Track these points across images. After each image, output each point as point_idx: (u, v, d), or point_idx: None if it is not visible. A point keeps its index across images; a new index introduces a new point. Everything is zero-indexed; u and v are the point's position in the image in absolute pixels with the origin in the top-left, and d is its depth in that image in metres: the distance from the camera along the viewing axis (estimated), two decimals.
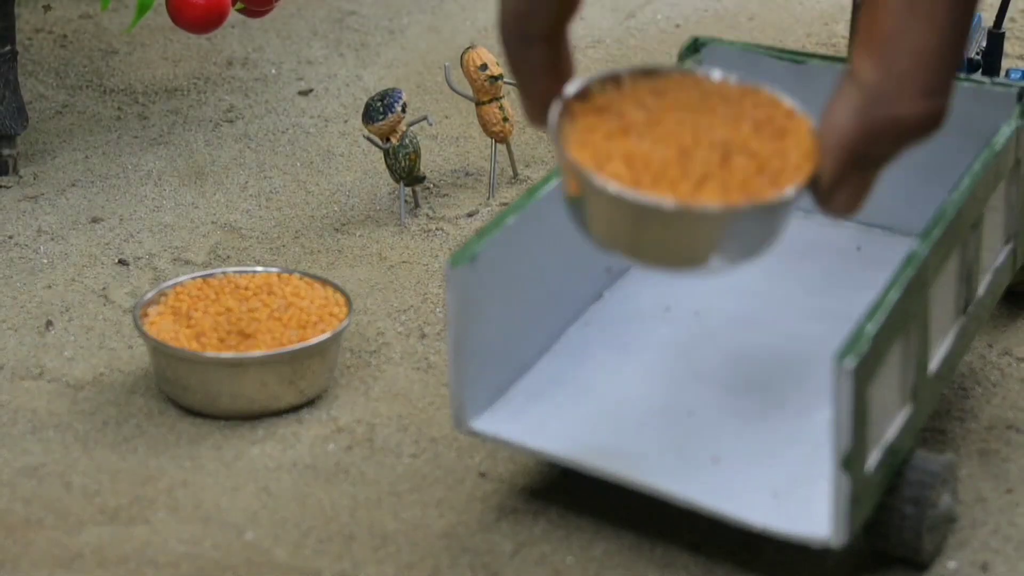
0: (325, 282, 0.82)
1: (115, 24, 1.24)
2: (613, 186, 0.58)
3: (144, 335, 0.78)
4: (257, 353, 0.77)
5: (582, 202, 0.60)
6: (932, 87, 0.57)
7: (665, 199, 0.58)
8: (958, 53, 0.57)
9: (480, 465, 0.75)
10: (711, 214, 0.58)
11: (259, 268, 0.84)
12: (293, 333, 0.78)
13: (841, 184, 0.59)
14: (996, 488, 0.72)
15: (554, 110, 0.62)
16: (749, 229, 0.59)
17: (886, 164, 0.59)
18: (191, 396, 0.78)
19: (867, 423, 0.61)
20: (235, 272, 0.83)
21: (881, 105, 0.57)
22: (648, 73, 0.64)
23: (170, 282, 0.82)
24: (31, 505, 0.72)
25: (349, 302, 0.81)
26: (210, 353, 0.77)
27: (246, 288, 0.82)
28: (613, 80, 0.64)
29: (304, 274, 0.83)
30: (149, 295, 0.81)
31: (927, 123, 0.58)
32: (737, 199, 0.58)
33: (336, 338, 0.78)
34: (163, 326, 0.79)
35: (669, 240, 0.59)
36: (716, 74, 0.64)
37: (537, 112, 0.62)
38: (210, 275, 0.83)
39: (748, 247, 0.60)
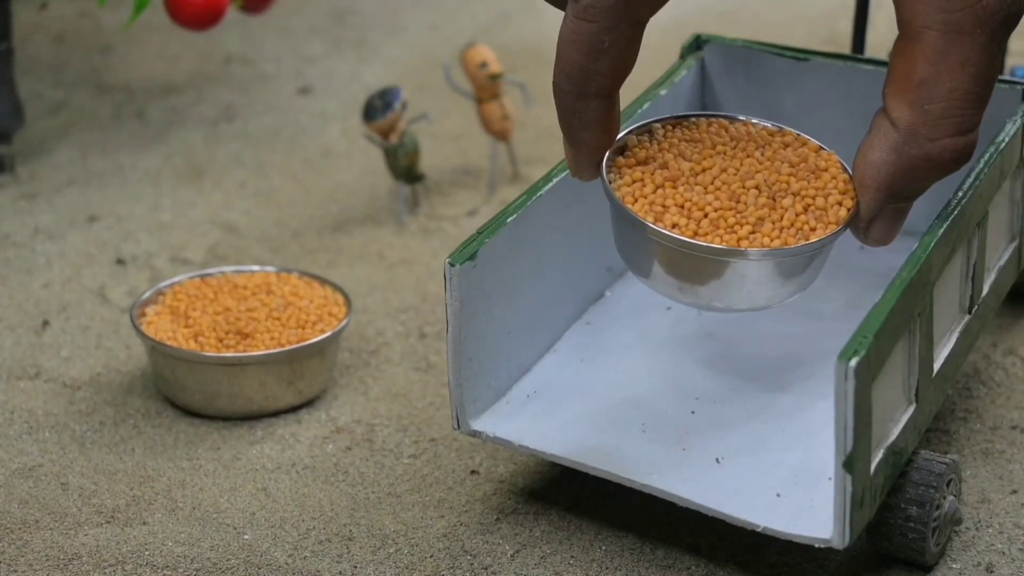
0: (324, 281, 0.82)
1: (112, 21, 1.24)
2: (685, 238, 0.63)
3: (142, 335, 0.78)
4: (256, 353, 0.76)
5: (641, 251, 0.64)
6: (965, 126, 0.60)
7: (742, 248, 0.63)
8: (988, 90, 0.60)
9: (480, 465, 0.74)
10: (784, 256, 0.63)
11: (257, 267, 0.83)
12: (292, 333, 0.78)
13: (878, 217, 0.63)
14: (1001, 489, 0.71)
15: (604, 165, 0.65)
16: (802, 266, 0.64)
17: (917, 196, 0.63)
18: (189, 396, 0.77)
19: (870, 423, 0.60)
20: (233, 271, 0.83)
21: (917, 145, 0.60)
22: (676, 121, 0.68)
23: (168, 282, 0.82)
24: (27, 506, 0.72)
25: (348, 301, 0.80)
26: (209, 353, 0.76)
27: (244, 287, 0.81)
28: (647, 132, 0.68)
29: (303, 273, 0.82)
30: (147, 295, 0.80)
31: (960, 158, 0.61)
32: (790, 240, 0.63)
33: (335, 338, 0.78)
34: (161, 326, 0.78)
35: (734, 283, 0.64)
36: (740, 117, 0.69)
37: (587, 166, 0.65)
38: (208, 275, 0.82)
39: (802, 283, 0.65)
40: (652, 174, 0.66)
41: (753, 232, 0.64)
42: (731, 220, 0.64)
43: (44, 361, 0.83)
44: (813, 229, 0.64)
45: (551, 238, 0.72)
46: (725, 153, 0.67)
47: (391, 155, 0.94)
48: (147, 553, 0.69)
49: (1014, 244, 0.76)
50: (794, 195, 0.65)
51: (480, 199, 0.98)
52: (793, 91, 0.81)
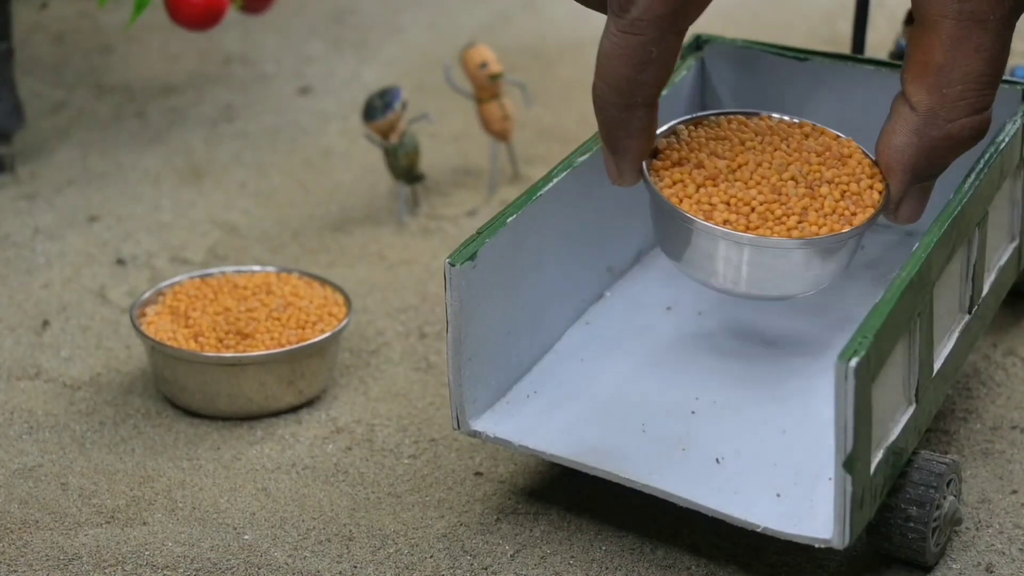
0: (324, 281, 0.82)
1: (112, 22, 1.24)
2: (739, 232, 0.66)
3: (142, 335, 0.77)
4: (256, 353, 0.76)
5: (690, 248, 0.67)
6: (980, 105, 0.64)
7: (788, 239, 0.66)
8: (1001, 70, 0.64)
9: (480, 465, 0.74)
10: (831, 242, 0.66)
11: (257, 267, 0.83)
12: (292, 333, 0.78)
13: (906, 197, 0.66)
14: (1001, 489, 0.71)
15: (646, 168, 0.68)
16: (844, 251, 0.67)
17: (939, 174, 0.66)
18: (189, 396, 0.77)
19: (870, 423, 0.60)
20: (233, 271, 0.83)
21: (937, 126, 0.64)
22: (697, 121, 0.71)
23: (168, 282, 0.82)
24: (28, 506, 0.72)
25: (348, 302, 0.80)
26: (209, 353, 0.76)
27: (244, 287, 0.81)
28: (672, 133, 0.70)
29: (303, 273, 0.82)
30: (146, 295, 0.80)
31: (977, 135, 0.64)
32: (835, 226, 0.66)
33: (335, 338, 0.78)
34: (161, 326, 0.78)
35: (787, 272, 0.67)
36: (758, 112, 0.72)
37: (630, 172, 0.68)
38: (208, 275, 0.82)
39: (840, 268, 0.68)
40: (691, 174, 0.68)
41: (800, 221, 0.66)
42: (778, 212, 0.67)
43: (44, 361, 0.83)
44: (854, 214, 0.67)
45: (551, 238, 0.72)
46: (755, 148, 0.70)
47: (391, 155, 0.94)
48: (147, 553, 0.69)
49: (1014, 244, 0.76)
50: (829, 183, 0.68)
51: (480, 199, 0.98)
52: (793, 91, 0.81)
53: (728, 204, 0.67)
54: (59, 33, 1.22)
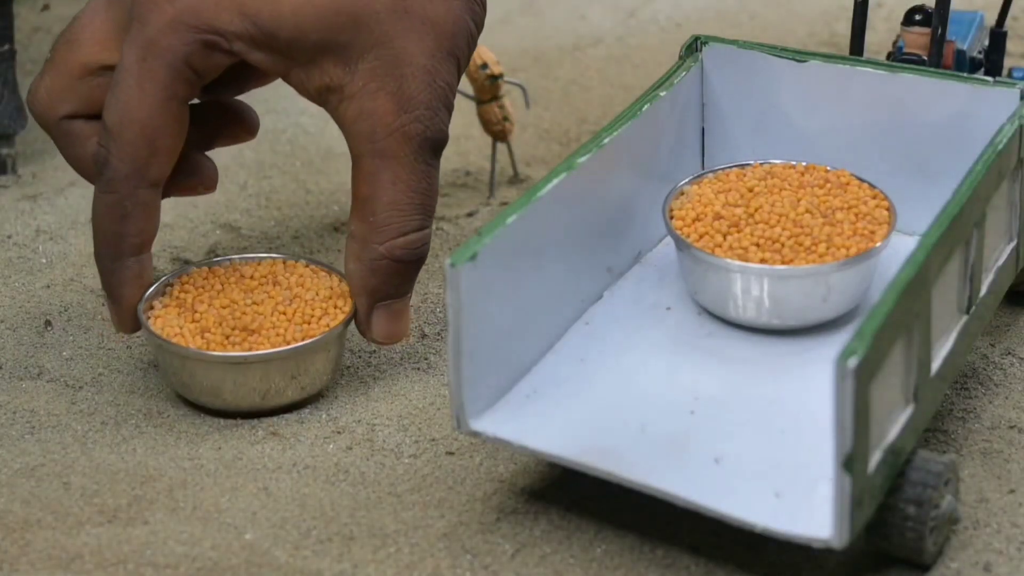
0: (331, 270, 0.81)
1: None
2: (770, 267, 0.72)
3: (149, 332, 0.77)
4: (260, 352, 0.76)
5: (723, 290, 0.74)
6: (406, 229, 0.74)
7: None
8: (427, 197, 0.75)
9: (480, 465, 0.74)
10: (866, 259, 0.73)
11: (264, 255, 0.82)
12: (297, 329, 0.77)
13: (374, 316, 0.78)
14: (999, 488, 0.72)
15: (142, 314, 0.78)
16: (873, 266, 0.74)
17: (402, 293, 0.77)
18: (197, 392, 0.78)
19: (869, 423, 0.61)
20: (240, 260, 0.82)
21: (371, 250, 0.75)
22: (698, 181, 0.78)
23: (174, 272, 0.81)
24: (29, 506, 0.72)
25: None
26: (215, 352, 0.76)
27: (251, 278, 0.81)
28: (681, 195, 0.77)
29: (311, 261, 0.82)
30: (153, 288, 0.79)
31: (413, 253, 0.76)
32: (863, 247, 0.72)
33: (340, 334, 0.78)
34: (168, 320, 0.78)
35: (828, 297, 0.73)
36: (749, 163, 0.79)
37: (128, 320, 0.77)
38: (216, 263, 0.82)
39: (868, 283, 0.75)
40: (713, 225, 0.74)
41: (829, 247, 0.72)
42: (807, 243, 0.72)
43: (46, 361, 0.83)
44: (873, 232, 0.73)
45: (551, 238, 0.72)
46: (762, 192, 0.76)
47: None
48: (149, 552, 0.69)
49: (1012, 244, 0.76)
50: (842, 209, 0.74)
51: (480, 200, 0.99)
52: (792, 92, 0.81)
53: (758, 245, 0.73)
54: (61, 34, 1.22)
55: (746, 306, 0.73)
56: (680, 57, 0.82)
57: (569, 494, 0.72)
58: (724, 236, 0.74)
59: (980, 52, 0.87)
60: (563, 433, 0.68)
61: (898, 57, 0.83)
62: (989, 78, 0.77)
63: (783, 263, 0.72)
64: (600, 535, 0.70)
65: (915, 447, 0.66)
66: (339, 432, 0.77)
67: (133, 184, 0.73)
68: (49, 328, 0.86)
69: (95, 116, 0.76)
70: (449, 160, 1.03)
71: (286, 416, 0.78)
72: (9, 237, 0.94)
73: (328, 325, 0.78)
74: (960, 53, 0.84)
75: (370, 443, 0.76)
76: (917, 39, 0.83)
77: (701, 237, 0.74)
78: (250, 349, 0.76)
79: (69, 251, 0.93)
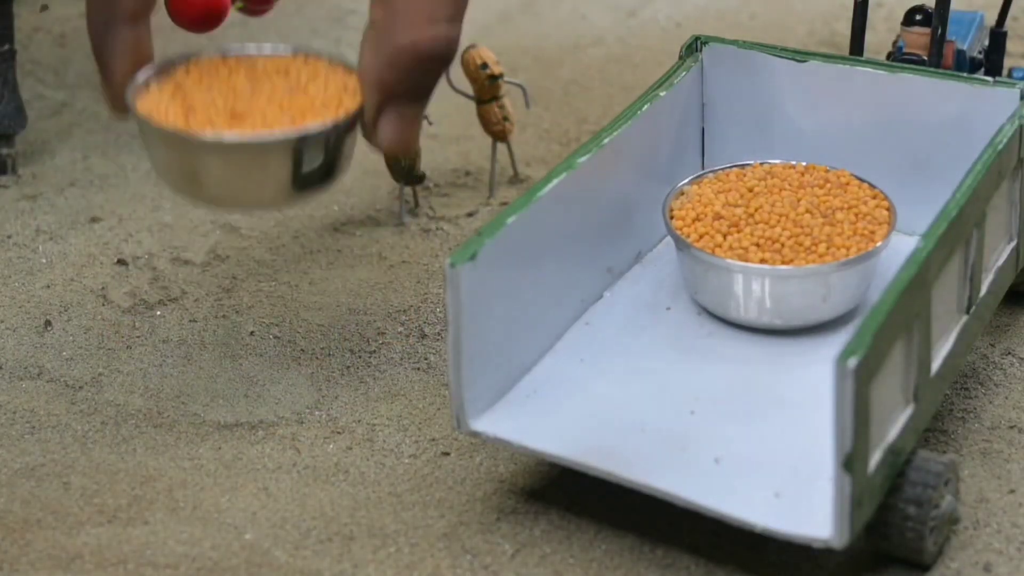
0: (350, 69, 0.71)
1: None
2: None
3: (134, 113, 0.69)
4: (238, 136, 0.67)
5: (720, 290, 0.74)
6: (435, 16, 0.64)
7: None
8: None
9: (480, 465, 0.74)
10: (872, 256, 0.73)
11: (284, 48, 0.74)
12: (287, 118, 0.68)
13: (383, 118, 0.67)
14: (999, 488, 0.72)
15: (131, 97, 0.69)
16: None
17: (418, 96, 0.66)
18: (173, 176, 0.70)
19: (869, 423, 0.61)
20: (255, 51, 0.74)
21: (389, 39, 0.64)
22: (698, 180, 0.78)
23: (183, 55, 0.72)
24: (30, 506, 0.72)
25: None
26: (191, 132, 0.67)
27: (262, 69, 0.72)
28: (681, 194, 0.77)
29: (336, 58, 0.72)
30: (155, 68, 0.71)
31: (440, 48, 0.65)
32: (862, 247, 0.73)
33: (325, 132, 0.68)
34: (160, 101, 0.70)
35: (828, 297, 0.73)
36: (749, 163, 0.79)
37: (117, 97, 0.68)
38: (231, 51, 0.74)
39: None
40: (713, 225, 0.74)
41: (829, 247, 0.72)
42: (807, 243, 0.73)
43: (46, 361, 0.83)
44: (873, 232, 0.74)
45: (551, 238, 0.72)
46: (762, 192, 0.76)
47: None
48: (148, 552, 0.69)
49: (1012, 244, 0.76)
50: (842, 209, 0.74)
51: (480, 200, 0.99)
52: (792, 92, 0.81)
53: (759, 245, 0.73)
54: (61, 34, 1.22)
55: (746, 306, 0.73)
56: (680, 57, 0.82)
57: (569, 494, 0.72)
58: (724, 236, 0.74)
59: (980, 52, 0.87)
60: (563, 433, 0.68)
61: (898, 57, 0.83)
62: (989, 78, 0.77)
63: (783, 263, 0.72)
64: (600, 535, 0.70)
65: (915, 447, 0.66)
66: (339, 432, 0.77)
67: None
68: (49, 328, 0.86)
69: None
70: (449, 160, 1.03)
71: (286, 417, 0.78)
72: (9, 237, 0.94)
73: (332, 113, 0.68)
74: (960, 53, 0.84)
75: (370, 443, 0.76)
76: (917, 39, 0.83)
77: (701, 237, 0.74)
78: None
79: (69, 251, 0.93)
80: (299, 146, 0.67)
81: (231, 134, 0.67)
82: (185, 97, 0.70)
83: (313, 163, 0.68)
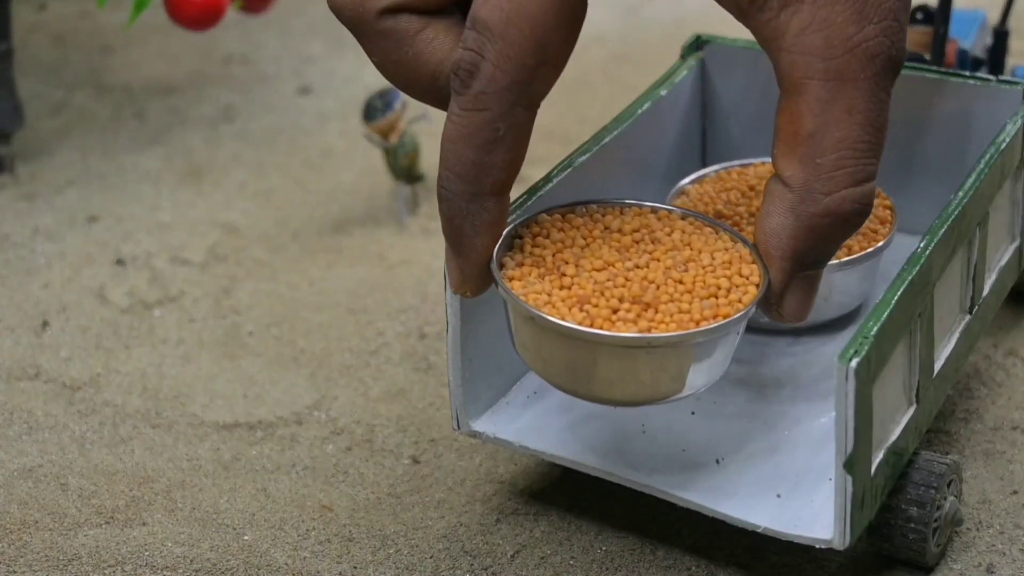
0: (715, 225, 0.64)
1: (112, 22, 1.24)
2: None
3: (512, 297, 0.60)
4: (667, 335, 0.59)
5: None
6: (860, 176, 0.57)
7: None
8: (881, 137, 0.57)
9: (480, 466, 0.74)
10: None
11: (631, 201, 0.65)
12: (705, 305, 0.60)
13: (789, 289, 0.60)
14: (1001, 490, 0.71)
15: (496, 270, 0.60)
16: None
17: (827, 260, 0.60)
18: (557, 369, 0.61)
19: (871, 424, 0.60)
20: (596, 205, 0.65)
21: (814, 201, 0.57)
22: (699, 178, 0.76)
23: (517, 219, 0.64)
24: (27, 507, 0.72)
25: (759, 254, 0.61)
26: (607, 332, 0.59)
27: (619, 231, 0.63)
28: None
29: (684, 211, 0.64)
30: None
31: (862, 210, 0.58)
32: (867, 245, 0.71)
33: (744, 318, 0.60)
34: (529, 283, 0.61)
35: (830, 297, 0.72)
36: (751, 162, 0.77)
37: (477, 277, 0.61)
38: (570, 207, 0.65)
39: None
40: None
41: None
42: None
43: (44, 362, 0.83)
44: (875, 231, 0.72)
45: None
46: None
47: (391, 155, 0.94)
48: (147, 554, 0.69)
49: (1015, 244, 0.76)
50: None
51: None
52: None
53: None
54: (59, 33, 1.22)
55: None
56: (681, 56, 0.82)
57: (569, 494, 0.72)
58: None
59: (983, 51, 0.86)
60: (563, 433, 0.68)
61: None
62: (992, 77, 0.77)
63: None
64: (600, 536, 0.69)
65: (917, 448, 0.66)
66: (338, 433, 0.77)
67: (511, 100, 0.59)
68: (47, 328, 0.86)
69: (426, 10, 0.60)
70: None
71: (285, 417, 0.78)
72: (7, 237, 0.94)
73: (740, 301, 0.61)
74: (963, 52, 0.84)
75: (369, 444, 0.76)
76: (919, 38, 0.83)
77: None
78: (649, 329, 0.59)
79: (67, 251, 0.93)
80: (716, 338, 0.60)
81: (660, 335, 0.59)
82: (562, 279, 0.61)
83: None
